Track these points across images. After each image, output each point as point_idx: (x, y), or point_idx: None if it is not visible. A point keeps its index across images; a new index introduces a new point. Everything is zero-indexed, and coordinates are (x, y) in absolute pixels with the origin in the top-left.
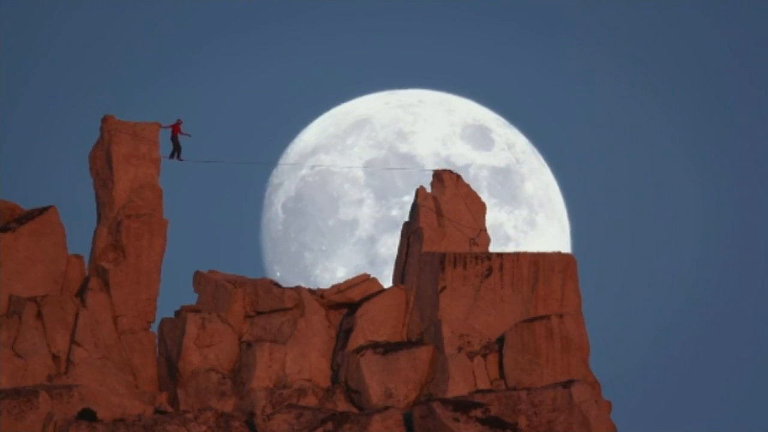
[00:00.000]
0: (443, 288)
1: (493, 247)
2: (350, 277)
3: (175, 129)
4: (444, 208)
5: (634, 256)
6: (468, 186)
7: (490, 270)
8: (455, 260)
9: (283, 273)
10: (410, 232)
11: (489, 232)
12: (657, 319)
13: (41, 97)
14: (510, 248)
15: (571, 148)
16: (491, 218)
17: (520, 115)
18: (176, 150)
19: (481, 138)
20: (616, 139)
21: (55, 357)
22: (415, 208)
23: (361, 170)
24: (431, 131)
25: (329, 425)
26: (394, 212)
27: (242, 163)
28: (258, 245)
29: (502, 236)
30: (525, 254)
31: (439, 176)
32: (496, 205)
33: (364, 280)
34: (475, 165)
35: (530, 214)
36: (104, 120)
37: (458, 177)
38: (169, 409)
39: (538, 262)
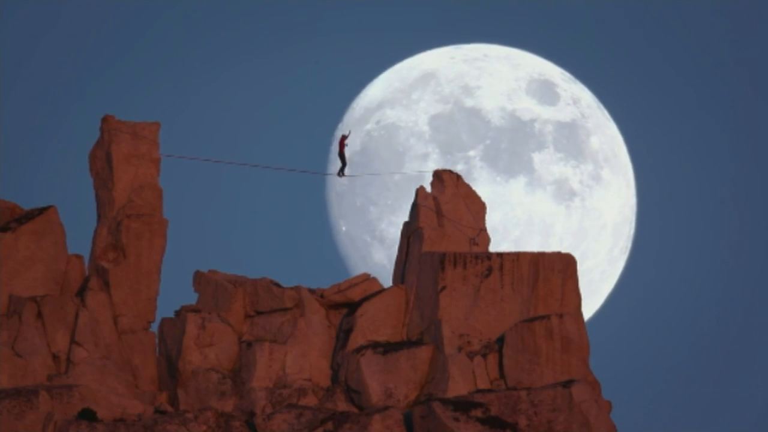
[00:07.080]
0: (443, 288)
1: (560, 200)
2: None
3: (341, 146)
4: (444, 208)
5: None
6: (468, 186)
7: (490, 270)
8: (455, 260)
9: (349, 227)
10: (410, 232)
11: (555, 186)
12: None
13: (41, 97)
14: (576, 202)
15: (637, 102)
16: (557, 172)
17: (585, 70)
18: (343, 166)
19: (546, 93)
20: (681, 93)
21: (55, 357)
22: (415, 208)
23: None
24: (497, 86)
25: (329, 425)
26: (460, 167)
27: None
28: (323, 200)
29: (568, 191)
30: (525, 254)
31: (439, 176)
32: (561, 159)
33: (364, 279)
34: (540, 120)
35: (595, 169)
36: (104, 120)
37: (458, 177)
38: (169, 409)
39: (538, 261)
